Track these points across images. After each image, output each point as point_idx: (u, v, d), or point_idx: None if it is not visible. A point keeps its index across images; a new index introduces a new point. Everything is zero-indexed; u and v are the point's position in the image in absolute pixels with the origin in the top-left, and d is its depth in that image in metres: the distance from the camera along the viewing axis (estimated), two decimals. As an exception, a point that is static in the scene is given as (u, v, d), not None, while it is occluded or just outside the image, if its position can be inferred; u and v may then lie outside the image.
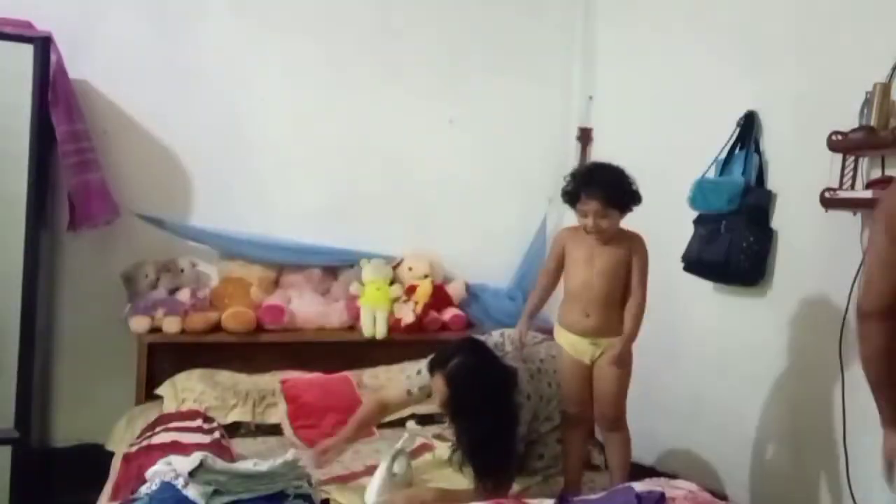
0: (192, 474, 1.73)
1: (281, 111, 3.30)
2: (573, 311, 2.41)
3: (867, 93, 2.06)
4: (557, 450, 2.69)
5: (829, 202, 2.16)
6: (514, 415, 2.31)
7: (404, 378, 2.59)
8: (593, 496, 2.27)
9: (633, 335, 2.38)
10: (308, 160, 3.35)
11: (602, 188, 2.30)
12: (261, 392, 2.93)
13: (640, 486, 2.25)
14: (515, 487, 2.36)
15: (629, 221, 2.44)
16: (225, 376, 2.98)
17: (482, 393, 2.20)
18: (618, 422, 2.45)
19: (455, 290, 3.46)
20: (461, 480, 2.33)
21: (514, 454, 2.31)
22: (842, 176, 2.16)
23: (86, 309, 3.06)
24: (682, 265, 2.72)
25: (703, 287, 2.72)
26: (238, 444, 2.63)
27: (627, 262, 2.37)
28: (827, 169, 2.20)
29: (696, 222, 2.70)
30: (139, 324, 2.94)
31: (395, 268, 3.40)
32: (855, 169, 2.15)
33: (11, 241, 2.59)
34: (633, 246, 2.39)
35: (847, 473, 2.12)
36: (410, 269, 3.40)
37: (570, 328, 2.42)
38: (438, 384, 2.24)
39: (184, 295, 3.05)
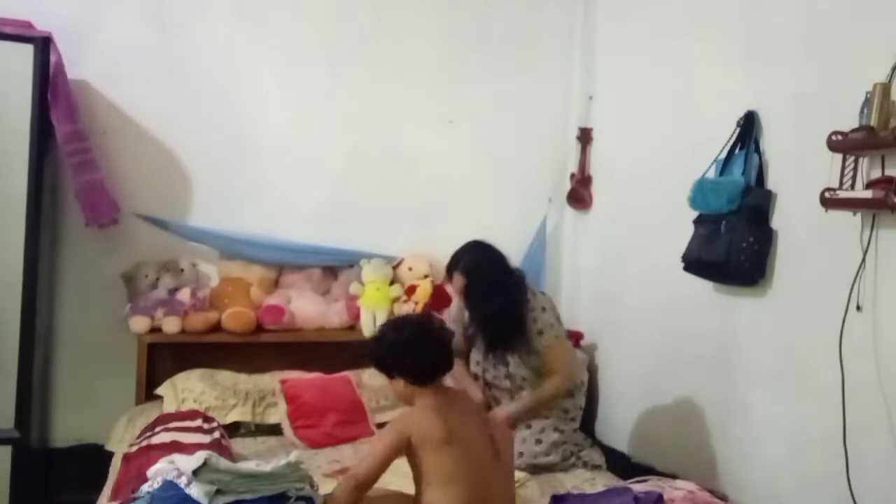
0: (195, 473, 1.72)
1: (281, 111, 3.30)
2: None
3: (867, 93, 2.05)
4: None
5: (829, 202, 2.16)
6: (520, 294, 2.67)
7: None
8: (589, 493, 2.28)
9: None
10: (308, 160, 3.35)
11: None
12: (261, 392, 2.93)
13: (638, 487, 2.26)
14: None
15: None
16: (225, 376, 2.98)
17: (492, 276, 2.63)
18: None
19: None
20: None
21: (523, 322, 2.65)
22: (842, 176, 2.16)
23: (86, 309, 3.06)
24: (682, 265, 2.72)
25: (703, 287, 2.72)
26: (238, 444, 2.64)
27: None
28: (827, 169, 2.20)
29: (696, 222, 2.70)
30: (139, 324, 2.94)
31: (395, 268, 3.40)
32: (855, 169, 2.15)
33: (11, 241, 2.59)
34: None
35: (847, 473, 2.12)
36: (410, 269, 3.40)
37: None
38: (457, 280, 2.65)
39: (184, 295, 3.05)
